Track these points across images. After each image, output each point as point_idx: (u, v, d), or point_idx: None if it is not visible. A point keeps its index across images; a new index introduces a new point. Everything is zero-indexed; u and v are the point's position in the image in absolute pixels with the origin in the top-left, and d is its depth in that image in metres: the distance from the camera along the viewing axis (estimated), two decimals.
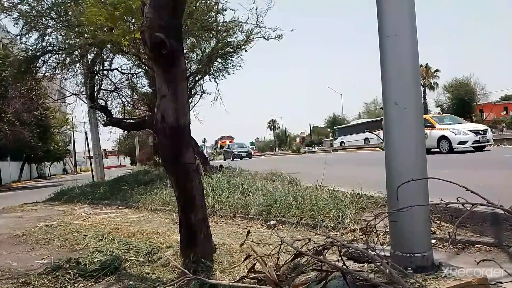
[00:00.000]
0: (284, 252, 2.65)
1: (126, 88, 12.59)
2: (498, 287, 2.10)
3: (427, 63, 47.33)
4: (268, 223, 4.39)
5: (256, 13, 9.56)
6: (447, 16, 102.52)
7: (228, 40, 9.94)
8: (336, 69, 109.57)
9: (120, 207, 7.45)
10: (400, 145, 2.27)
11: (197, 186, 2.80)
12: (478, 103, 41.74)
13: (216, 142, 70.59)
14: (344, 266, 2.08)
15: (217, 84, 11.54)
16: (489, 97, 43.83)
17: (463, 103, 38.75)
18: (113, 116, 12.09)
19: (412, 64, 2.27)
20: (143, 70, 11.47)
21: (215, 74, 11.25)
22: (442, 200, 1.99)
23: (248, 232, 2.93)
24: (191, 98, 11.52)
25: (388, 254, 2.33)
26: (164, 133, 2.63)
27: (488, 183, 5.41)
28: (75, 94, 12.00)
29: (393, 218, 2.19)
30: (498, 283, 2.11)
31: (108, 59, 11.10)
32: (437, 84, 48.01)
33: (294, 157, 29.27)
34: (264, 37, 9.81)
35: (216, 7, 9.17)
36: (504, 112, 51.60)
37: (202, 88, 12.20)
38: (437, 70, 48.92)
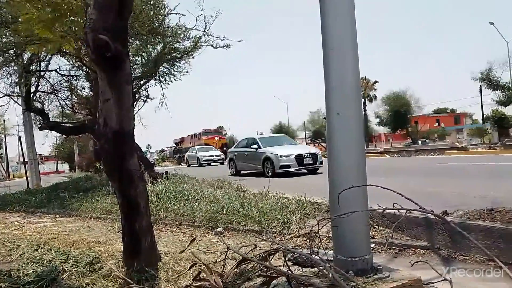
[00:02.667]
0: (230, 259, 2.65)
1: (65, 90, 11.99)
2: (431, 287, 2.26)
3: (365, 76, 49.72)
4: (215, 230, 4.36)
5: (205, 21, 9.54)
6: (387, 30, 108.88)
7: (175, 45, 9.83)
8: (283, 79, 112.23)
9: (57, 216, 7.04)
10: (342, 154, 2.36)
11: (142, 193, 2.72)
12: (413, 115, 44.59)
13: (179, 143, 54.60)
14: (289, 271, 2.13)
15: (163, 89, 11.33)
16: (423, 109, 47.10)
17: (399, 114, 41.21)
18: (51, 120, 11.44)
19: (353, 76, 2.38)
20: (84, 72, 10.99)
21: (160, 78, 11.04)
22: (380, 206, 2.10)
23: (193, 239, 2.90)
24: (135, 103, 11.22)
25: (331, 258, 2.41)
26: (106, 138, 2.54)
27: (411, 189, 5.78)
28: (8, 95, 11.22)
29: (335, 223, 2.27)
30: (431, 284, 2.26)
31: (45, 59, 10.50)
32: (375, 96, 50.51)
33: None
34: (212, 45, 9.82)
35: (162, 11, 9.05)
36: (437, 124, 55.52)
37: (147, 93, 11.91)
38: (376, 82, 51.53)
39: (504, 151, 18.72)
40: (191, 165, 30.94)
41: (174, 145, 59.02)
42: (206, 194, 6.04)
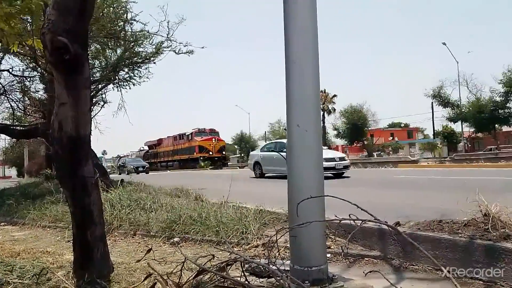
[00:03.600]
0: (187, 270, 2.60)
1: (17, 91, 11.43)
2: None
3: (325, 89, 51.05)
4: (172, 241, 4.28)
5: (168, 27, 9.46)
6: (347, 46, 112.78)
7: (136, 50, 9.67)
8: (246, 88, 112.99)
9: (2, 224, 6.62)
10: (301, 165, 2.41)
11: (95, 201, 2.62)
12: (369, 128, 46.26)
13: (153, 146, 49.19)
14: (246, 281, 2.12)
15: (122, 94, 11.07)
16: (378, 123, 49.06)
17: (356, 127, 42.64)
18: (0, 122, 10.84)
19: (313, 89, 2.44)
20: (38, 74, 10.53)
21: (120, 83, 10.79)
22: (336, 216, 2.15)
23: (149, 249, 2.82)
24: (92, 107, 10.87)
25: (288, 268, 2.43)
26: (61, 143, 2.44)
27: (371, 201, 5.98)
28: None
29: (293, 233, 2.30)
30: None
31: None
32: (334, 109, 51.89)
33: (202, 173, 28.81)
34: (174, 51, 9.75)
35: (125, 16, 8.88)
36: (391, 138, 57.85)
37: (105, 97, 11.60)
38: (334, 96, 52.96)
39: (452, 165, 19.85)
40: (121, 174, 30.57)
41: (146, 148, 51.85)
42: (163, 203, 5.90)
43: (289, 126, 2.44)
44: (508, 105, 33.26)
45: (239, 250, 3.66)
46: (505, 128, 39.15)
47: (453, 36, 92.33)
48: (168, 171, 37.42)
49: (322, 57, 2.51)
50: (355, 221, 2.02)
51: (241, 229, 4.12)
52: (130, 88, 10.82)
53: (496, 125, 35.15)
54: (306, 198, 2.18)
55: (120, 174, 32.47)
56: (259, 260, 2.67)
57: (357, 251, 3.44)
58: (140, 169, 33.57)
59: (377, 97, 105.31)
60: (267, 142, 16.87)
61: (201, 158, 38.04)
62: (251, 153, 18.96)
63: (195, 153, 38.87)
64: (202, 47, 10.66)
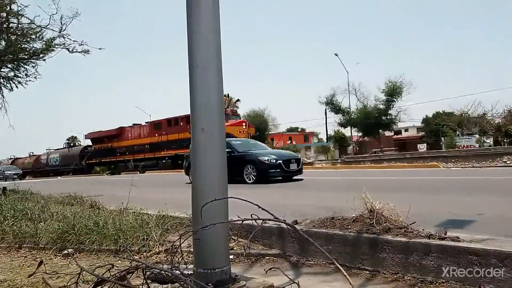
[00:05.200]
0: (83, 282, 2.44)
1: None
2: None
3: (228, 93, 51.84)
4: (64, 252, 3.95)
5: (61, 22, 8.73)
6: (248, 51, 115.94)
7: (23, 45, 8.74)
8: (147, 91, 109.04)
9: None
10: (205, 169, 2.43)
11: None
12: (270, 132, 48.25)
13: (101, 140, 35.35)
14: None
15: (2, 93, 9.90)
16: (278, 128, 51.50)
17: (258, 131, 44.07)
18: None
19: (217, 93, 2.49)
20: None
21: (2, 81, 9.64)
22: (239, 217, 2.22)
23: (41, 262, 2.59)
24: None
25: (191, 272, 2.42)
26: None
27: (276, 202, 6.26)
28: None
29: (197, 237, 2.31)
30: None
31: None
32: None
33: (99, 179, 26.52)
34: (68, 49, 9.03)
35: (8, 7, 7.97)
36: (289, 141, 60.96)
37: None
38: (238, 101, 54.12)
39: (343, 167, 21.64)
40: None
41: (89, 145, 38.99)
42: (53, 212, 5.43)
43: (193, 130, 2.44)
44: (389, 112, 37.57)
45: (140, 258, 3.54)
46: (387, 133, 44.18)
47: (345, 46, 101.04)
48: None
49: (225, 62, 2.57)
50: (257, 220, 2.10)
51: (142, 236, 3.99)
52: (17, 87, 9.72)
53: (380, 130, 39.46)
54: (211, 200, 2.21)
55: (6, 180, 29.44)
56: (162, 266, 2.62)
57: (258, 250, 3.57)
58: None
59: (278, 103, 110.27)
60: None
61: None
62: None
63: None
64: (100, 48, 10.09)
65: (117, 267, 2.53)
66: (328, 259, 2.92)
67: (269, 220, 2.11)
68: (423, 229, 2.96)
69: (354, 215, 3.39)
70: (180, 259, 2.56)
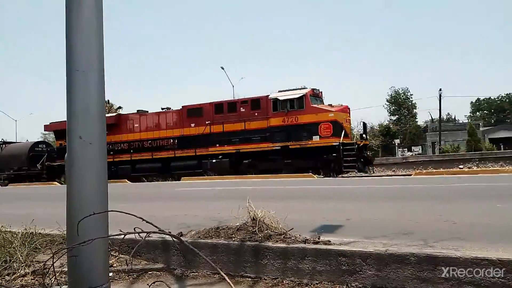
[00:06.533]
0: None
1: None
2: None
3: (109, 100, 49.10)
4: None
5: None
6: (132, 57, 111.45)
7: None
8: (15, 93, 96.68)
9: None
10: (83, 180, 2.26)
11: None
12: None
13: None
14: None
15: None
16: None
17: None
18: None
19: (99, 99, 2.34)
20: None
21: None
22: (121, 231, 2.11)
23: None
24: None
25: None
26: None
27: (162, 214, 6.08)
28: None
29: (73, 253, 2.12)
30: None
31: None
32: None
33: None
34: None
35: None
36: None
37: None
38: (120, 108, 51.44)
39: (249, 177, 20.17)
40: None
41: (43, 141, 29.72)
42: None
43: (69, 138, 2.26)
44: None
45: (1, 282, 3.10)
46: None
47: (233, 61, 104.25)
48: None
49: (106, 66, 2.45)
50: (140, 233, 2.03)
51: (4, 258, 3.50)
52: None
53: None
54: (89, 215, 2.06)
55: None
56: None
57: (142, 265, 3.43)
58: None
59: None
60: None
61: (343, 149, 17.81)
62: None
63: (319, 136, 18.09)
64: None
65: None
66: (214, 269, 2.95)
67: (154, 232, 2.05)
68: (299, 235, 3.19)
69: (238, 224, 3.48)
70: (53, 279, 2.32)
